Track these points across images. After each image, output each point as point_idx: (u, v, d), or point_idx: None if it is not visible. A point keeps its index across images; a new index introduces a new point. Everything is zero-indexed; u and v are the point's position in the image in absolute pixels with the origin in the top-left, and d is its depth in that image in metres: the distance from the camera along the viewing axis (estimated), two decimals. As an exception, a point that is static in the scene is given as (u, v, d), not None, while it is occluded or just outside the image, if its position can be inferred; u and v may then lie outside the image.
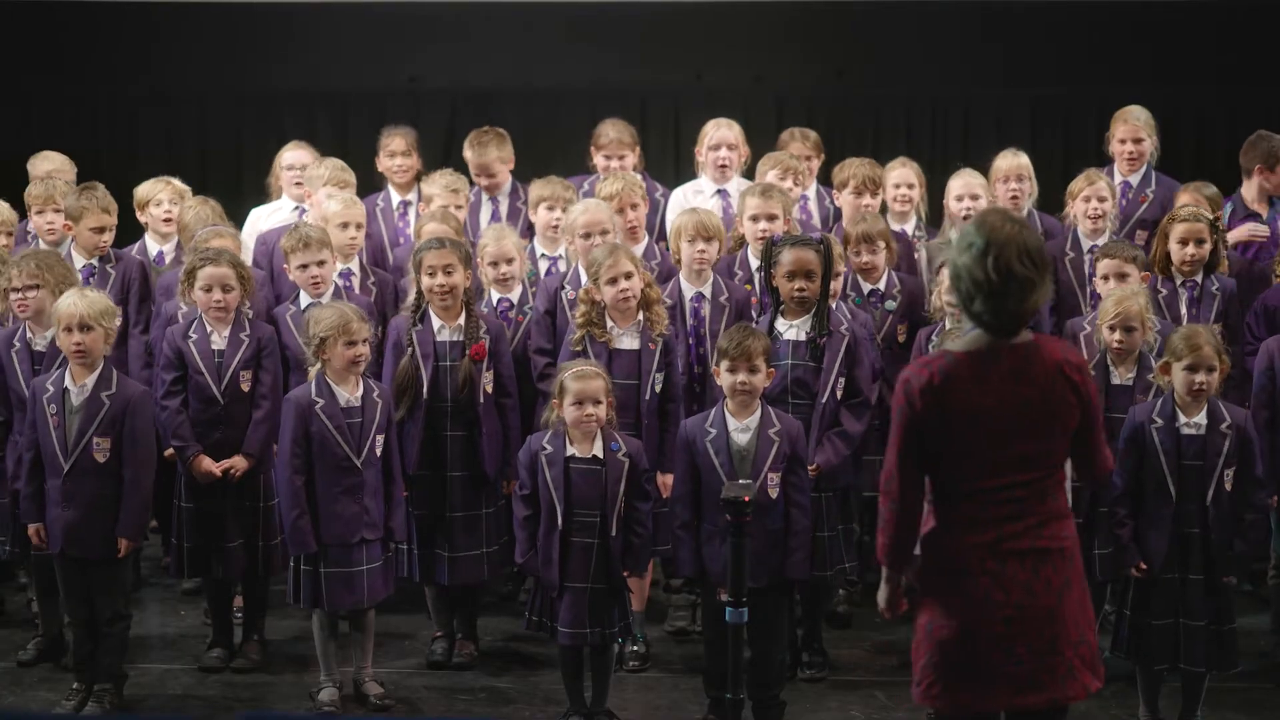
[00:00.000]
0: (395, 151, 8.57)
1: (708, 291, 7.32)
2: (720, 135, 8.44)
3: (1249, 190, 8.42)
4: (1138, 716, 6.53)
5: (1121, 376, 6.80)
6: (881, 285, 7.60)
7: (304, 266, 7.30)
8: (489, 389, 7.01)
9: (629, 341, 6.96)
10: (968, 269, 4.59)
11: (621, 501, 6.43)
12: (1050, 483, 4.66)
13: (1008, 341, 4.62)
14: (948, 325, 6.97)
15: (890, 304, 7.59)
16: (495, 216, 8.35)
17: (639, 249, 7.59)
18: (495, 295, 7.43)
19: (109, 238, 7.73)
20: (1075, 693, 4.67)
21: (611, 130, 8.56)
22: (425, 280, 6.95)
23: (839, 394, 6.76)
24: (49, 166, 8.55)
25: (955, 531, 4.65)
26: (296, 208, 8.40)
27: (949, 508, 4.67)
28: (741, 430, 6.42)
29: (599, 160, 8.55)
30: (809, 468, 6.58)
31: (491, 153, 8.42)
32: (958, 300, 4.67)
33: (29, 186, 8.15)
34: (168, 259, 8.07)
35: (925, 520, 4.71)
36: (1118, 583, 6.63)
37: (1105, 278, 7.26)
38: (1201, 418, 6.37)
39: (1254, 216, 8.30)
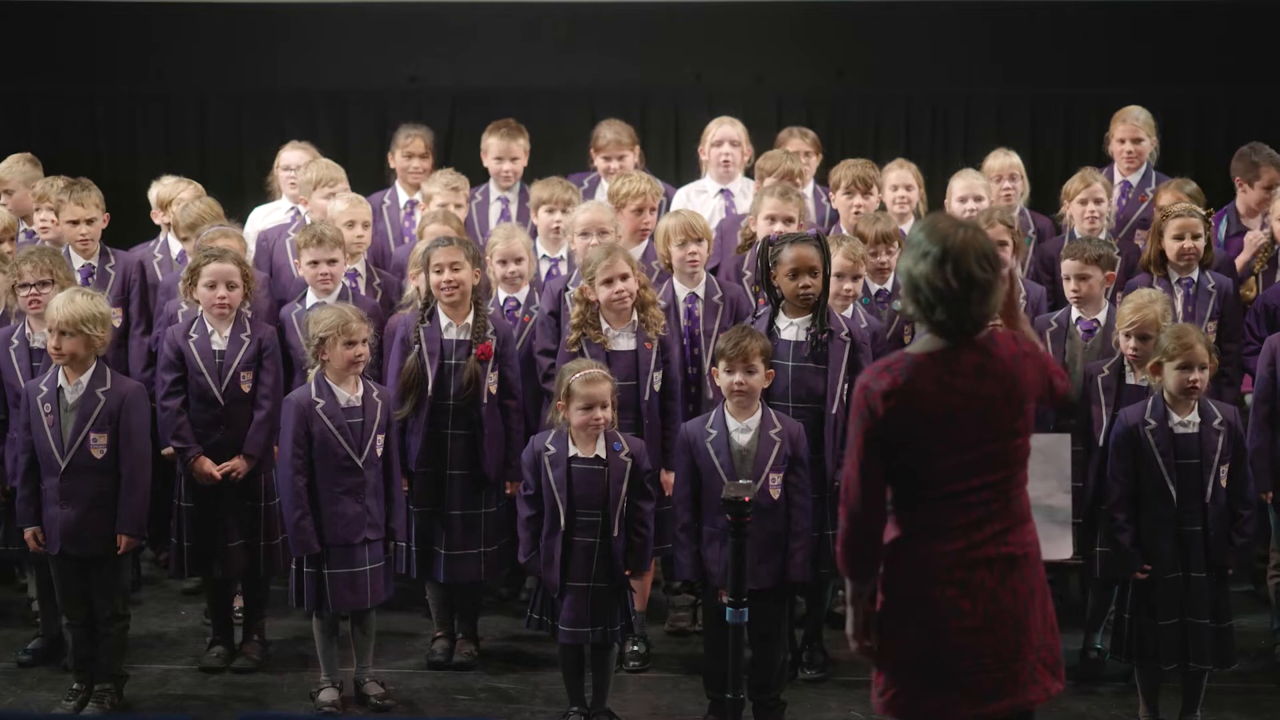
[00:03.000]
0: (413, 153, 8.57)
1: (701, 291, 7.31)
2: (723, 132, 8.45)
3: (1240, 204, 8.38)
4: (1138, 717, 6.53)
5: (1136, 378, 6.77)
6: (889, 286, 7.59)
7: (315, 263, 7.30)
8: (493, 390, 7.00)
9: (625, 342, 6.96)
10: (926, 278, 4.49)
11: (624, 501, 6.43)
12: (1014, 484, 4.58)
13: (967, 339, 4.55)
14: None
15: (897, 304, 7.56)
16: (505, 216, 8.35)
17: (640, 249, 7.58)
18: (502, 294, 7.43)
19: (85, 231, 7.68)
20: (1036, 697, 4.61)
21: (609, 132, 8.56)
22: (433, 277, 6.93)
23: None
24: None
25: (921, 539, 4.55)
26: (292, 208, 8.40)
27: (914, 515, 4.57)
28: (742, 431, 6.42)
29: (599, 162, 8.55)
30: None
31: (518, 139, 8.42)
32: (915, 310, 4.55)
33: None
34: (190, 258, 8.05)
35: (887, 530, 4.60)
36: (1118, 585, 6.62)
37: (1067, 278, 7.17)
38: (1194, 415, 6.37)
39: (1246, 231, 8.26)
